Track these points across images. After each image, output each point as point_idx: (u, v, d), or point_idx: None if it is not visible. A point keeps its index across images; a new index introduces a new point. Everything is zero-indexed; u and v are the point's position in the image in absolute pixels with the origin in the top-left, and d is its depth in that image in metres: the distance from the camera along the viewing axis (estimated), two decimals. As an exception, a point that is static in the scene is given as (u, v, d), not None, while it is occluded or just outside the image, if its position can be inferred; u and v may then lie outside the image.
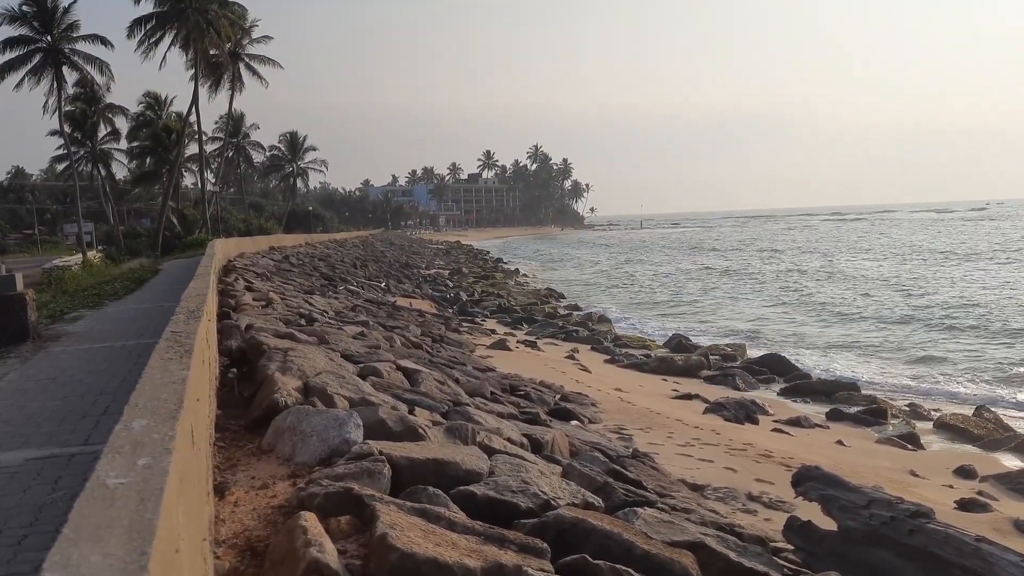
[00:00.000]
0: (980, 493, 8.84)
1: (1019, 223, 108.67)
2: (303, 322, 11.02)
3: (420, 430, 4.84)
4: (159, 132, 51.83)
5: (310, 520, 3.12)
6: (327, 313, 14.07)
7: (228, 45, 48.78)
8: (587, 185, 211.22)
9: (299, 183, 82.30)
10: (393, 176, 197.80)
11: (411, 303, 25.11)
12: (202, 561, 2.58)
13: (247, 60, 52.63)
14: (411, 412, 5.58)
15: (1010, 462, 10.60)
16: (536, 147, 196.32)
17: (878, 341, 22.45)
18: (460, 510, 3.71)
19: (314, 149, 79.59)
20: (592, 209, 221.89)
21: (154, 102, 55.60)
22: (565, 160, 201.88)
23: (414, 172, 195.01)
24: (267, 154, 78.73)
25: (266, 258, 29.08)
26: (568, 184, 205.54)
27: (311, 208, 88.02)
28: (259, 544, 3.30)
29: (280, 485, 3.98)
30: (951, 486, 9.30)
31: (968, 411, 13.56)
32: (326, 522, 3.26)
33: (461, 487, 4.01)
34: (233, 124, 63.64)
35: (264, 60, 52.92)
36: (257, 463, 4.35)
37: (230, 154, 68.68)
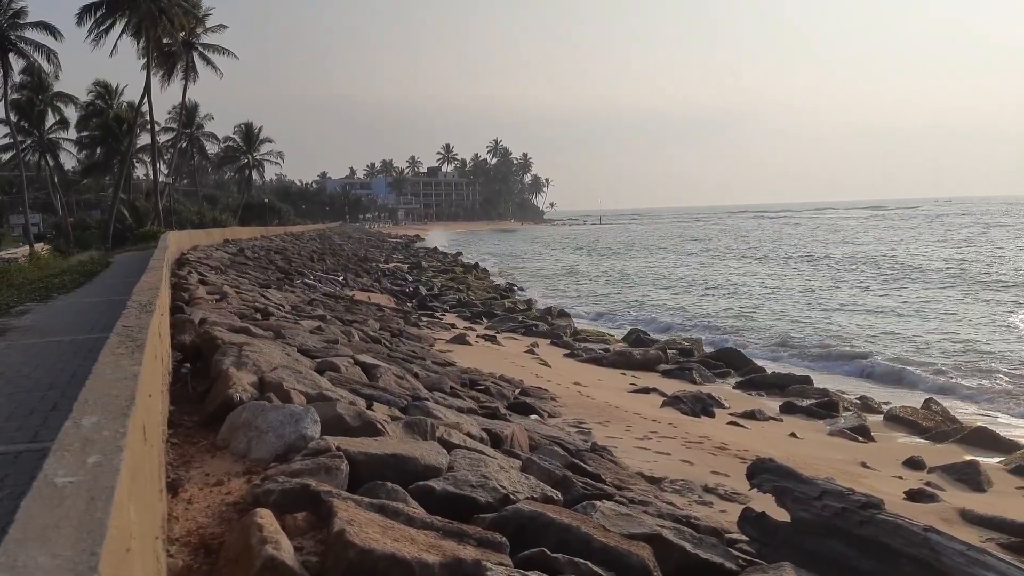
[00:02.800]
0: (928, 484, 9.08)
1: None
2: (259, 316, 10.87)
3: (378, 425, 4.80)
4: (110, 122, 50.68)
5: (266, 517, 3.08)
6: (283, 307, 13.90)
7: (182, 34, 47.86)
8: (547, 180, 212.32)
9: (254, 175, 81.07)
10: (351, 169, 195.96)
11: (370, 297, 24.93)
12: (155, 560, 2.53)
13: (201, 49, 51.67)
14: (369, 407, 5.53)
15: (956, 453, 10.89)
16: (496, 141, 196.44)
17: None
18: (419, 505, 3.70)
19: (270, 141, 78.54)
20: (552, 204, 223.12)
21: (104, 91, 54.34)
22: (525, 155, 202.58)
23: (372, 165, 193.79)
24: (222, 145, 77.48)
25: (220, 251, 28.65)
26: (528, 179, 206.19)
27: (267, 200, 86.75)
28: (213, 542, 3.24)
29: (235, 482, 3.92)
30: (900, 477, 9.53)
31: (917, 404, 13.91)
32: (282, 519, 3.22)
33: (420, 482, 4.00)
34: (187, 114, 62.47)
35: (219, 50, 52.03)
36: (211, 460, 4.28)
37: (183, 145, 67.41)
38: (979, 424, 12.46)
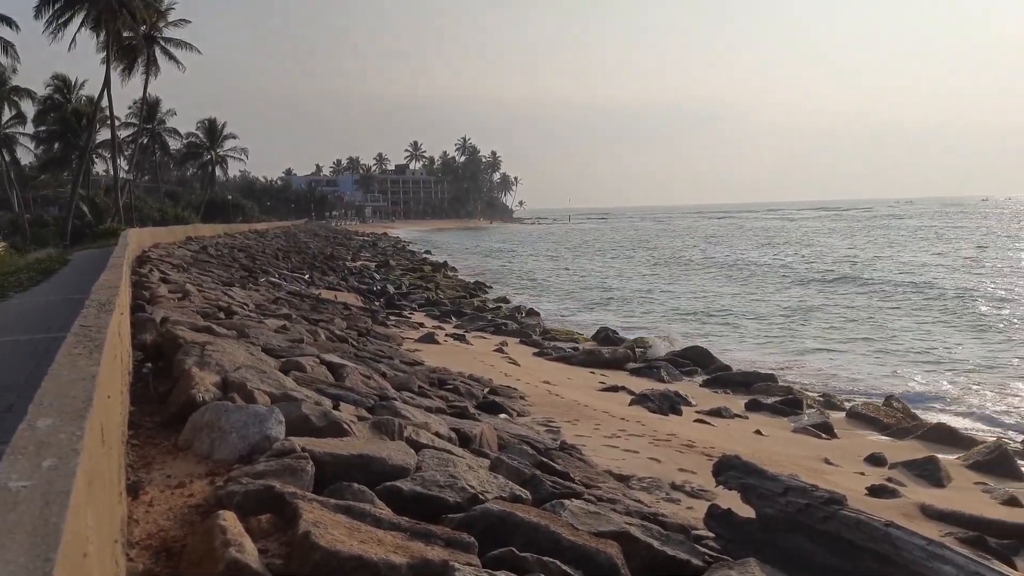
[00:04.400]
0: (889, 479, 9.23)
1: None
2: (222, 315, 10.72)
3: (345, 425, 4.76)
4: (68, 116, 49.64)
5: (229, 519, 3.03)
6: (247, 306, 13.72)
7: (143, 28, 47.01)
8: (516, 178, 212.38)
9: (218, 171, 79.81)
10: (317, 165, 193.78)
11: (336, 296, 24.72)
12: (113, 564, 2.48)
13: (163, 44, 50.76)
14: (336, 407, 5.47)
15: (916, 450, 11.09)
16: (464, 139, 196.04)
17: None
18: (386, 506, 3.66)
19: (234, 137, 77.38)
20: (521, 202, 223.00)
21: (63, 85, 53.18)
22: (494, 153, 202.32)
23: (339, 162, 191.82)
24: (184, 141, 76.03)
25: (183, 248, 28.27)
26: (497, 177, 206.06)
27: (231, 197, 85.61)
28: (175, 545, 3.18)
29: (197, 484, 3.86)
30: (862, 473, 9.68)
31: (878, 400, 14.16)
32: (246, 521, 3.17)
33: (387, 483, 3.96)
34: (148, 109, 61.32)
35: (181, 44, 51.12)
36: (173, 461, 4.20)
37: (144, 141, 66.12)
38: (939, 421, 12.71)
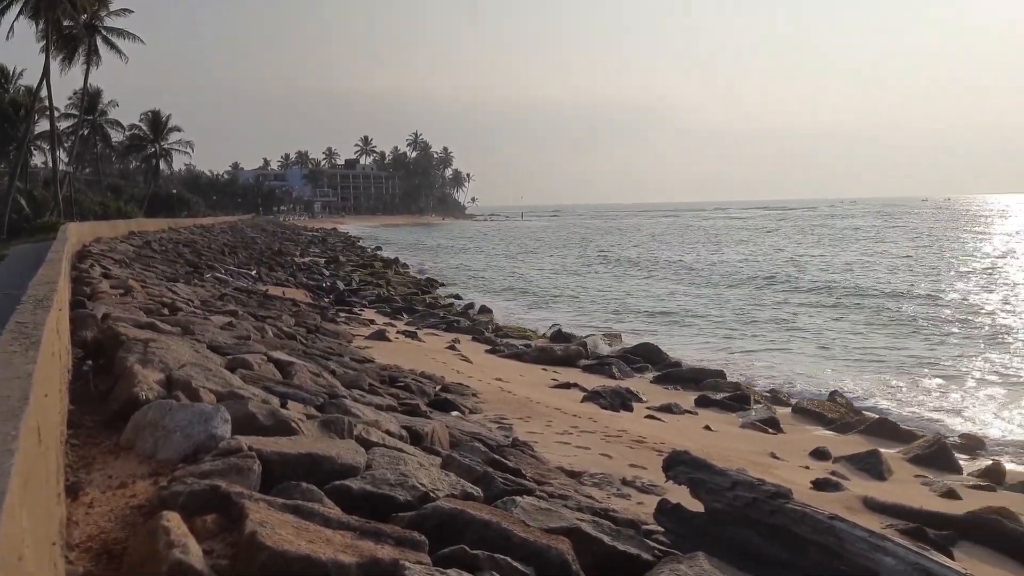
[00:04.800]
0: (833, 473, 9.44)
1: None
2: (166, 311, 10.50)
3: (293, 424, 4.69)
4: (5, 107, 47.93)
5: (173, 520, 2.96)
6: (192, 302, 13.46)
7: (84, 16, 45.68)
8: (468, 175, 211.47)
9: (162, 165, 77.87)
10: (265, 160, 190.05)
11: (284, 292, 24.37)
12: (51, 566, 2.41)
13: (105, 33, 49.42)
14: (284, 405, 5.39)
15: (860, 444, 11.36)
16: (416, 134, 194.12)
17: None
18: (335, 505, 3.62)
19: (179, 129, 75.46)
20: (473, 199, 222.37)
21: (0, 75, 51.39)
22: (446, 148, 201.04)
23: (287, 156, 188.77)
24: (127, 133, 74.11)
25: (125, 243, 27.62)
26: (449, 173, 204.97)
27: (175, 191, 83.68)
28: (117, 547, 3.10)
29: (140, 484, 3.76)
30: (807, 467, 9.88)
31: (823, 396, 14.48)
32: (191, 522, 3.10)
33: (337, 482, 3.91)
34: (89, 100, 59.70)
35: (124, 34, 49.85)
36: (115, 461, 4.09)
37: (85, 132, 64.37)
38: (881, 416, 13.05)
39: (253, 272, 30.10)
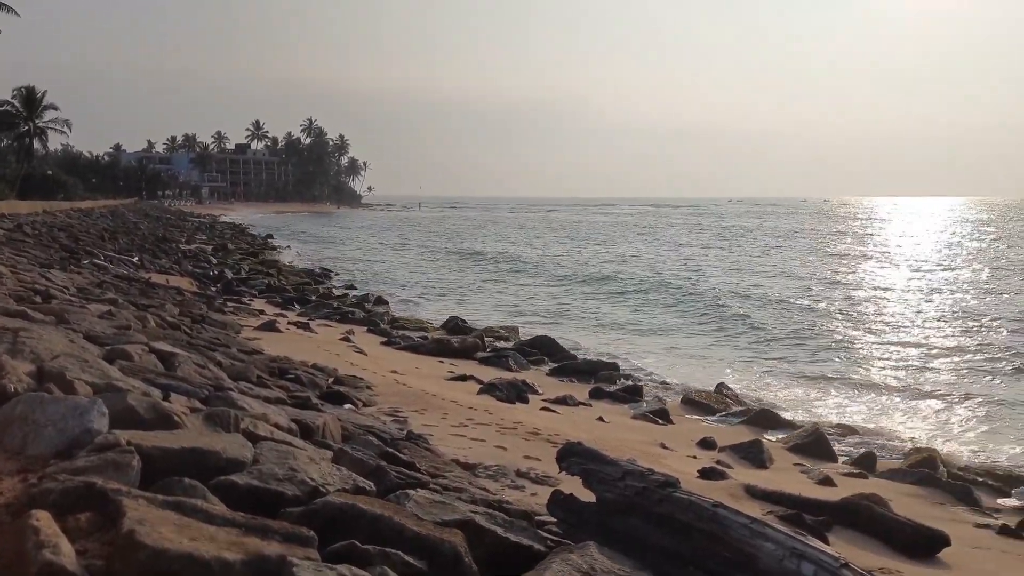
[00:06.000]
0: (719, 462, 9.81)
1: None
2: (39, 299, 9.90)
3: (175, 417, 4.48)
4: None
5: (43, 519, 2.78)
6: (68, 289, 12.74)
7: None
8: (365, 163, 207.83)
9: (37, 144, 73.34)
10: (149, 142, 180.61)
11: (168, 280, 23.37)
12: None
13: (-27, 0, 45.99)
14: (166, 398, 5.16)
15: (743, 434, 11.86)
16: (311, 120, 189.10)
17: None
18: (220, 501, 3.48)
19: (55, 108, 71.29)
20: (370, 188, 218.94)
21: None
22: (342, 136, 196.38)
23: (173, 139, 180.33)
24: (-3, 110, 69.37)
25: (-6, 226, 25.83)
26: (345, 161, 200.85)
27: (51, 172, 78.79)
28: (-21, 550, 2.88)
29: (7, 482, 3.51)
30: (695, 456, 10.23)
31: (710, 388, 15.04)
32: (63, 521, 2.92)
33: (222, 477, 3.77)
34: (-46, 72, 55.41)
35: (-4, 2, 46.51)
36: (-22, 459, 3.80)
37: (-51, 106, 59.77)
38: (763, 407, 13.65)
39: (135, 259, 28.77)
